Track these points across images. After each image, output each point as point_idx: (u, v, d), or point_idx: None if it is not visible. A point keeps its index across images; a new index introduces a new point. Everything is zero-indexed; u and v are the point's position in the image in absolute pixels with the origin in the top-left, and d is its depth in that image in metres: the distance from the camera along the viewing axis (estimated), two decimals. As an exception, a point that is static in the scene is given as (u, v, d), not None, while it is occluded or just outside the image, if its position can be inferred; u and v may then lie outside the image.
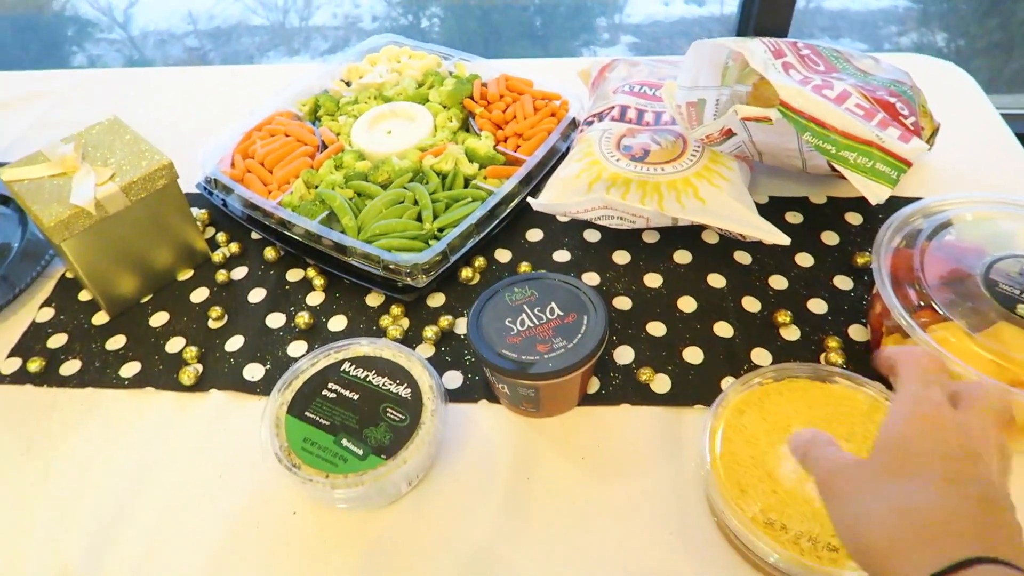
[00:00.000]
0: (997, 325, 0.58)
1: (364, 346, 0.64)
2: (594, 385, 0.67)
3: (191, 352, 0.71)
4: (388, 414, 0.59)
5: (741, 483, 0.55)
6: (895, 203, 0.82)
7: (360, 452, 0.57)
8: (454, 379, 0.68)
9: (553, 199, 0.70)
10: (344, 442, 0.57)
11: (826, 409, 0.59)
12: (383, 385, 0.61)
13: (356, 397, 0.60)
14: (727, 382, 0.66)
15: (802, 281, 0.75)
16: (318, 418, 0.59)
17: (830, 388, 0.60)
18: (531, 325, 0.61)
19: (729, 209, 0.66)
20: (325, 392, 0.61)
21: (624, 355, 0.69)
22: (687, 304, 0.73)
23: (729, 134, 0.68)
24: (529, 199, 0.72)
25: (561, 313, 0.62)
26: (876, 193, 0.60)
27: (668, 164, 0.69)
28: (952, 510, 0.33)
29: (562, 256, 0.79)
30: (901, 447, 0.38)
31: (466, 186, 0.82)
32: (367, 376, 0.62)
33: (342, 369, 0.62)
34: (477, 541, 0.58)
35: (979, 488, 0.34)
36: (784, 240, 0.66)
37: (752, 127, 0.66)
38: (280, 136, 0.90)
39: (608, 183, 0.68)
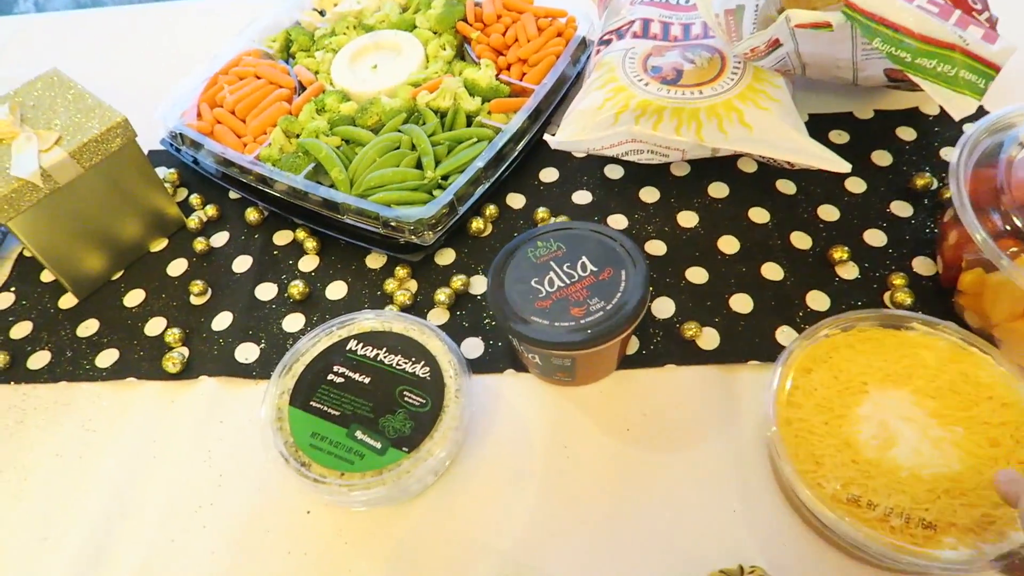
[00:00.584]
0: (1100, 253, 0.51)
1: (370, 320, 0.56)
2: (633, 345, 0.59)
3: (174, 334, 0.63)
4: (406, 399, 0.51)
5: (815, 454, 0.48)
6: (949, 116, 0.73)
7: (378, 446, 0.49)
8: (474, 348, 0.60)
9: (574, 135, 0.61)
10: (359, 435, 0.50)
11: (904, 361, 0.51)
12: (397, 364, 0.53)
13: (368, 381, 0.52)
14: (784, 333, 0.58)
15: (855, 210, 0.66)
16: (326, 408, 0.51)
17: (905, 336, 0.53)
18: (561, 285, 0.53)
19: (781, 135, 0.57)
20: (331, 377, 0.53)
21: (664, 308, 0.61)
22: (729, 244, 0.65)
23: (775, 45, 0.58)
24: (546, 136, 0.62)
25: (595, 269, 0.54)
26: (961, 107, 0.51)
27: (706, 86, 0.60)
28: None
29: (583, 197, 0.70)
30: None
31: (469, 124, 0.72)
32: (377, 355, 0.54)
33: (348, 349, 0.54)
34: (514, 532, 0.51)
35: None
36: (845, 167, 0.57)
37: (801, 36, 0.56)
38: (251, 79, 0.79)
39: (637, 112, 0.59)
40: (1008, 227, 0.53)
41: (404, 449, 0.49)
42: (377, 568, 0.50)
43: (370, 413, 0.51)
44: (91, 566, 0.52)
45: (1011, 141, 0.58)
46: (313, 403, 0.52)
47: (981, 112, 0.71)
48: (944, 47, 0.51)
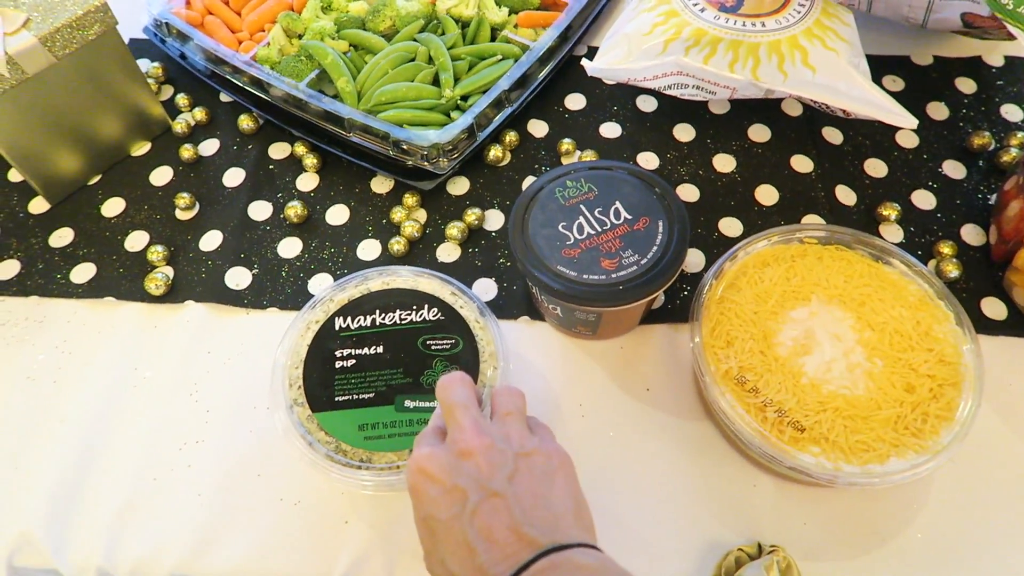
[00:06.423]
0: None
1: (342, 291, 0.50)
2: (659, 299, 0.55)
3: (157, 252, 0.57)
4: (433, 347, 0.47)
5: (730, 335, 0.47)
6: (1019, 65, 0.67)
7: (434, 404, 0.45)
8: (487, 289, 0.56)
9: (616, 62, 0.54)
10: (408, 404, 0.45)
11: (863, 289, 0.48)
12: (402, 319, 0.48)
13: (381, 349, 0.47)
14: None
15: (905, 167, 0.61)
16: (356, 395, 0.46)
17: (878, 268, 0.50)
18: (592, 232, 0.48)
19: (846, 81, 0.51)
20: (339, 364, 0.47)
21: (693, 261, 0.56)
22: (767, 195, 0.60)
23: (852, -25, 0.51)
24: (584, 62, 0.56)
25: (629, 217, 0.49)
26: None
27: (769, 17, 0.53)
28: None
29: (611, 130, 0.64)
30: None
31: (493, 39, 0.65)
32: (374, 320, 0.48)
33: (337, 328, 0.48)
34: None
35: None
36: (912, 122, 0.52)
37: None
38: (247, -36, 0.70)
39: (689, 43, 0.52)
40: (1080, 203, 0.48)
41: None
42: (375, 522, 0.47)
43: (406, 378, 0.46)
44: (69, 504, 0.48)
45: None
46: (338, 399, 0.46)
47: (1051, 67, 0.65)
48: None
